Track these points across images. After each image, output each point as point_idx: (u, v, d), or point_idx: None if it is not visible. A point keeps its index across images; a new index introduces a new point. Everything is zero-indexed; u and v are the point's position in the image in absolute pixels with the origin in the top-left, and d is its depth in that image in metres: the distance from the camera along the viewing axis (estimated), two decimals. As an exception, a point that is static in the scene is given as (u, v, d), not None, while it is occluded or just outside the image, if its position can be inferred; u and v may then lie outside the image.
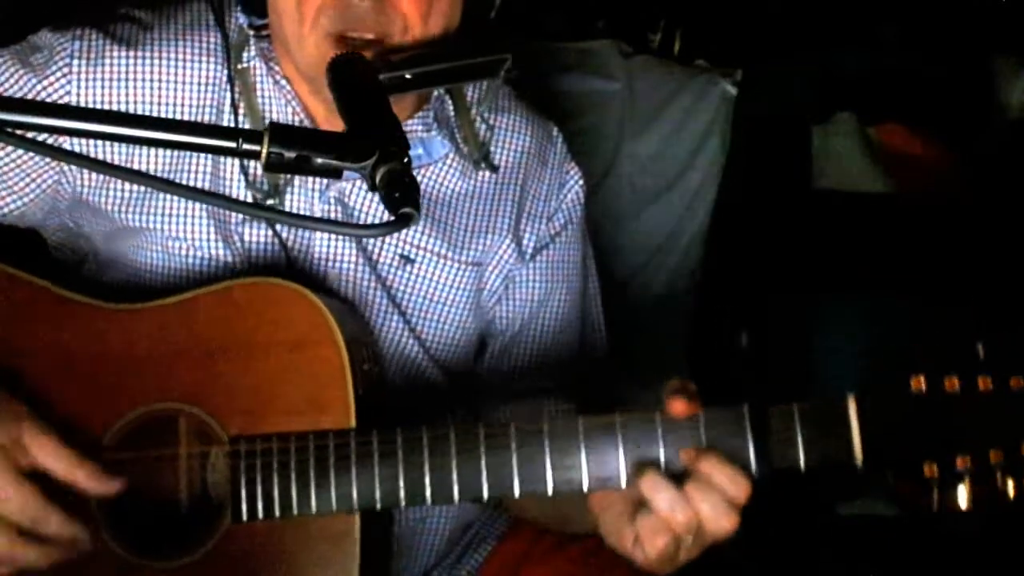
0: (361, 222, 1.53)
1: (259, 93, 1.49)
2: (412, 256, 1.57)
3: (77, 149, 1.40)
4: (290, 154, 1.03)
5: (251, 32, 1.49)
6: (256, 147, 1.02)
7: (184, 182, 1.48)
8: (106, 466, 1.36)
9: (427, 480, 1.31)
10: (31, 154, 1.44)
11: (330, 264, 1.53)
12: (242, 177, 1.49)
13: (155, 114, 1.47)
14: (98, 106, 1.45)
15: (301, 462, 1.33)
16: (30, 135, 1.00)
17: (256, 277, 1.41)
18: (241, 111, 1.49)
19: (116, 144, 1.44)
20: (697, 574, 1.34)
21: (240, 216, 1.50)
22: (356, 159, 1.05)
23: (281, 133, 1.03)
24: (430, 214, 1.57)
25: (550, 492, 1.31)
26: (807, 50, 2.67)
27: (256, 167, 1.47)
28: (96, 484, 1.34)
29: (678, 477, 1.27)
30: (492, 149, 1.61)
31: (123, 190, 1.48)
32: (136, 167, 1.47)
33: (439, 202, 1.58)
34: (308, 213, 1.51)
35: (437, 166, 1.57)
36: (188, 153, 1.49)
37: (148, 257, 1.51)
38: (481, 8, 1.49)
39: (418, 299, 1.58)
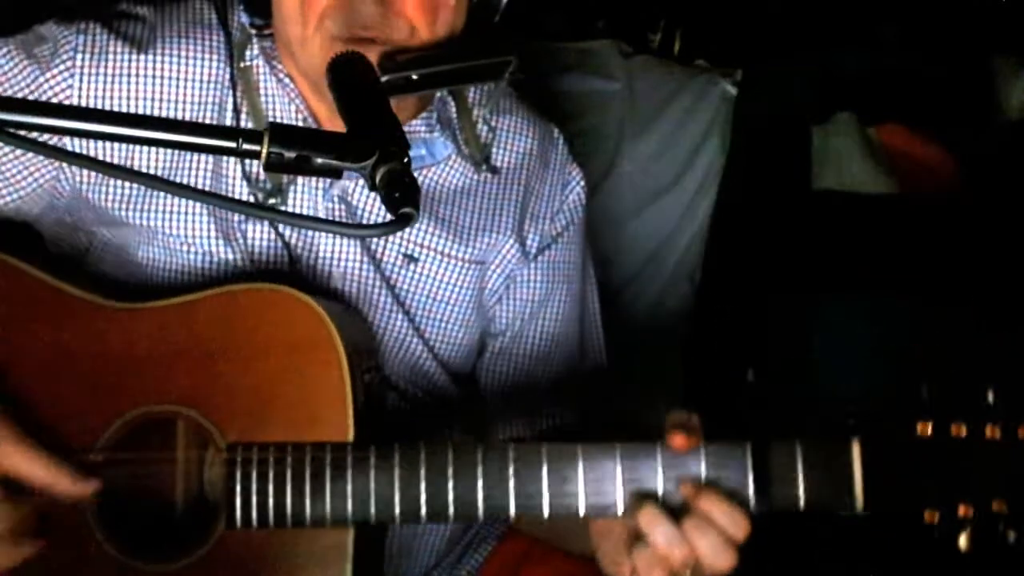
0: (365, 220, 1.53)
1: (262, 92, 1.49)
2: (416, 255, 1.57)
3: (77, 146, 1.40)
4: (290, 154, 1.03)
5: (253, 31, 1.49)
6: (256, 147, 1.02)
7: (185, 180, 1.48)
8: (102, 467, 1.36)
9: (423, 499, 1.31)
10: None
11: (334, 263, 1.53)
12: (244, 176, 1.49)
13: (157, 111, 1.47)
14: (100, 101, 1.45)
15: (297, 473, 1.33)
16: (30, 135, 1.00)
17: (260, 283, 1.41)
18: (244, 110, 1.49)
19: (116, 142, 1.44)
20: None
21: (242, 215, 1.50)
22: (356, 159, 1.05)
23: (281, 133, 1.03)
24: (433, 212, 1.57)
25: (546, 516, 1.30)
26: (807, 50, 2.66)
27: (257, 165, 1.48)
28: (71, 489, 1.33)
29: (677, 510, 1.27)
30: (493, 151, 1.61)
31: (122, 187, 1.48)
32: (136, 165, 1.47)
33: (442, 200, 1.58)
34: (311, 212, 1.51)
35: (440, 167, 1.57)
36: (189, 151, 1.49)
37: (149, 253, 1.51)
38: (486, 10, 1.49)
39: (422, 298, 1.58)
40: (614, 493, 1.29)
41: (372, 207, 1.53)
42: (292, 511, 1.33)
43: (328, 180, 1.50)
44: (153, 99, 1.47)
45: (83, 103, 1.45)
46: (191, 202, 1.49)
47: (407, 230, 1.55)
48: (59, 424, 1.37)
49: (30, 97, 1.44)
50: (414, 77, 1.37)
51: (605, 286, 1.78)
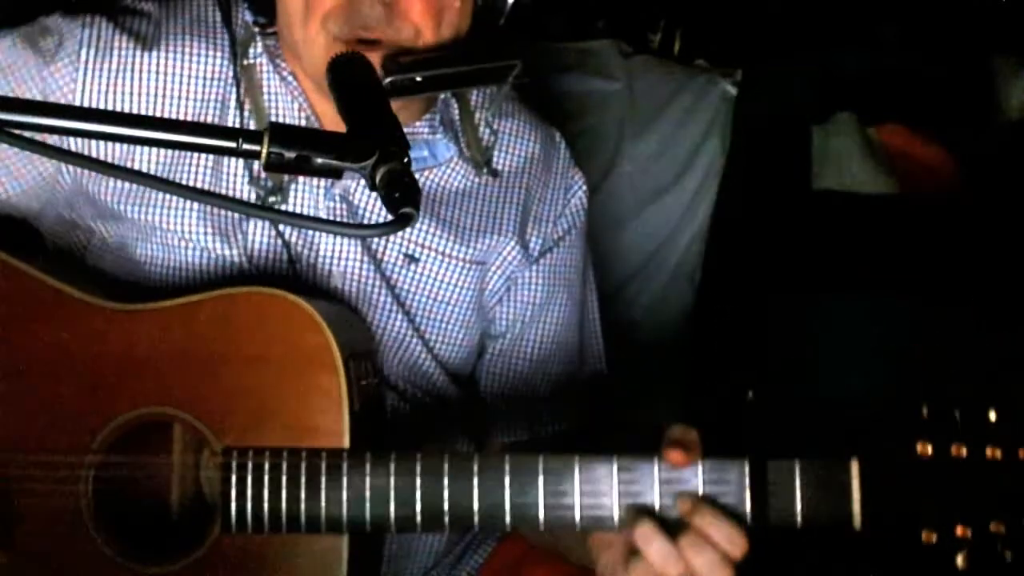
0: (366, 220, 1.53)
1: (265, 90, 1.49)
2: (416, 255, 1.57)
3: (76, 143, 1.39)
4: (290, 154, 1.03)
5: (257, 29, 1.49)
6: (256, 147, 1.02)
7: (185, 177, 1.48)
8: (98, 467, 1.36)
9: (418, 508, 1.30)
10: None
11: (334, 262, 1.53)
12: (245, 173, 1.49)
13: (159, 106, 1.47)
14: (103, 96, 1.46)
15: (292, 479, 1.33)
16: (30, 135, 1.00)
17: (259, 287, 1.40)
18: (246, 107, 1.48)
19: (117, 142, 1.43)
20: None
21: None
22: (356, 159, 1.05)
23: (281, 133, 1.03)
24: (435, 213, 1.57)
25: (542, 527, 1.30)
26: (807, 50, 2.66)
27: (259, 164, 1.48)
28: None
29: (674, 525, 1.26)
30: (495, 154, 1.61)
31: (122, 181, 1.48)
32: (137, 162, 1.47)
33: (444, 202, 1.58)
34: (312, 210, 1.51)
35: (442, 168, 1.57)
36: (189, 151, 1.48)
37: (147, 251, 1.50)
38: (490, 14, 1.49)
39: (422, 298, 1.58)
40: (611, 506, 1.29)
41: (374, 206, 1.53)
42: (287, 517, 1.33)
43: (329, 179, 1.50)
44: (156, 95, 1.47)
45: (86, 97, 1.45)
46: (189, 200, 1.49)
47: (408, 230, 1.54)
48: (57, 424, 1.37)
49: (33, 89, 1.45)
50: (418, 79, 1.37)
51: (605, 286, 1.78)
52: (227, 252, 1.50)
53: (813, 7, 2.72)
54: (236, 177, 1.49)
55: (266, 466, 1.34)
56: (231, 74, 1.49)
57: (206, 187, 1.49)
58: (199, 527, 1.37)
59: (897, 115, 2.55)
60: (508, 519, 1.30)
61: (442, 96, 1.57)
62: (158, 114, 1.47)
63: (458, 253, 1.58)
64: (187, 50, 1.48)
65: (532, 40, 2.55)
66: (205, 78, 1.49)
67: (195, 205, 1.48)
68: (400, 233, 1.52)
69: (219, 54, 1.49)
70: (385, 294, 1.56)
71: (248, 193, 1.49)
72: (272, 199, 1.50)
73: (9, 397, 1.37)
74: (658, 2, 2.83)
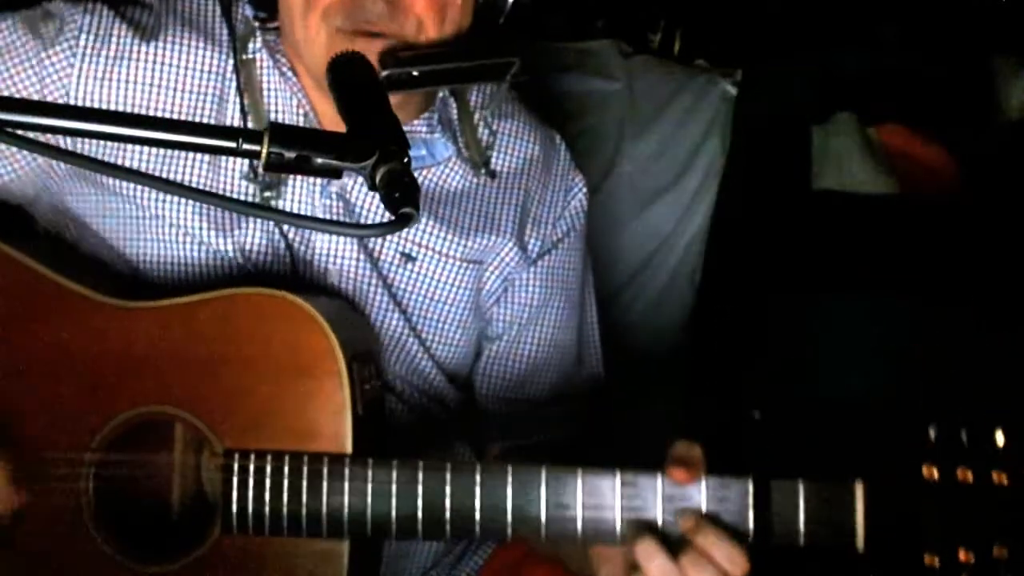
0: (363, 218, 1.53)
1: (264, 85, 1.49)
2: (414, 254, 1.57)
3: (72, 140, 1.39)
4: (290, 154, 1.03)
5: (257, 24, 1.49)
6: (256, 147, 1.02)
7: (183, 172, 1.48)
8: (98, 465, 1.36)
9: (419, 516, 1.31)
10: None
11: (330, 260, 1.53)
12: (241, 168, 1.49)
13: (155, 96, 1.47)
14: (99, 83, 1.45)
15: (293, 483, 1.33)
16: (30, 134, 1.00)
17: (261, 288, 1.40)
18: (244, 102, 1.48)
19: (116, 142, 1.43)
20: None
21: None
22: (356, 159, 1.05)
23: (281, 133, 1.03)
24: (432, 212, 1.57)
25: (543, 538, 1.30)
26: (807, 50, 2.66)
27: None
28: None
29: (675, 541, 1.26)
30: (494, 154, 1.61)
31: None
32: (133, 157, 1.46)
33: (441, 200, 1.58)
34: (309, 208, 1.51)
35: (440, 167, 1.57)
36: (188, 151, 1.48)
37: (144, 248, 1.50)
38: (491, 11, 1.49)
39: (419, 298, 1.58)
40: (613, 520, 1.29)
41: (370, 204, 1.53)
42: (287, 520, 1.33)
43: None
44: (152, 84, 1.47)
45: (81, 84, 1.45)
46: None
47: (405, 229, 1.54)
48: (57, 421, 1.37)
49: (29, 72, 1.45)
50: (415, 73, 1.37)
51: (605, 286, 1.78)
52: (224, 247, 1.49)
53: (813, 7, 2.72)
54: (233, 172, 1.49)
55: (267, 469, 1.34)
56: (229, 68, 1.48)
57: (204, 182, 1.48)
58: (199, 526, 1.37)
59: (897, 115, 2.55)
60: (509, 530, 1.30)
61: (440, 95, 1.56)
62: (153, 105, 1.47)
63: (455, 252, 1.58)
64: (185, 42, 1.48)
65: (532, 39, 2.55)
66: (203, 71, 1.48)
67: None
68: (396, 232, 1.52)
69: (218, 48, 1.49)
70: (382, 293, 1.56)
71: (245, 188, 1.49)
72: (268, 194, 1.49)
73: (9, 395, 1.37)
74: (658, 2, 2.83)
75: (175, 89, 1.47)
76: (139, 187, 1.48)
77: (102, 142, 1.43)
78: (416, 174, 1.05)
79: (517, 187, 1.62)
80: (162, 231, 1.49)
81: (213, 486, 1.40)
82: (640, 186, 2.58)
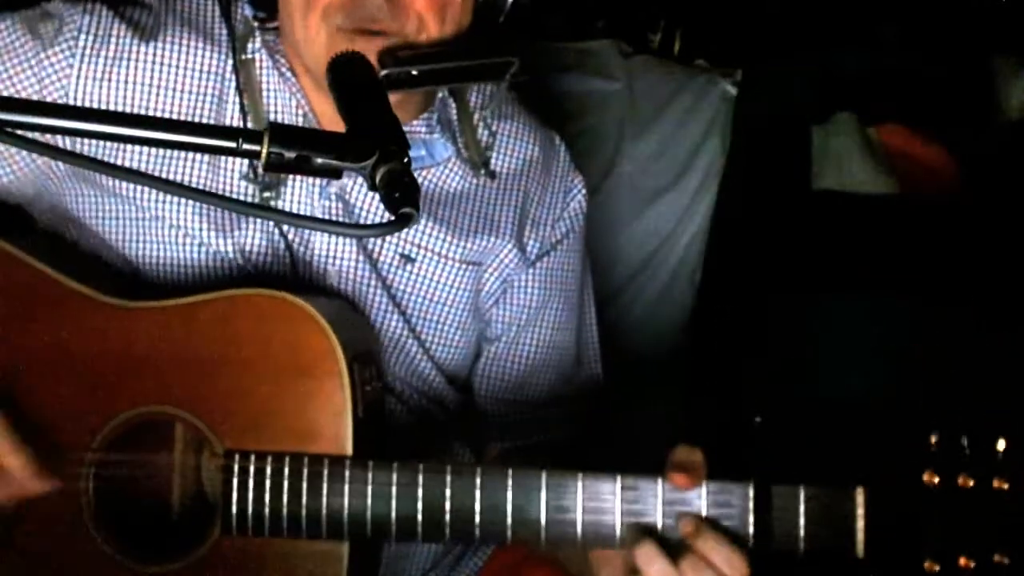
0: (362, 219, 1.53)
1: (263, 85, 1.49)
2: (413, 255, 1.56)
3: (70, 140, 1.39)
4: (290, 154, 1.03)
5: (256, 24, 1.49)
6: (256, 147, 1.02)
7: (183, 171, 1.48)
8: (98, 465, 1.36)
9: (419, 519, 1.30)
10: None
11: (329, 260, 1.53)
12: (241, 169, 1.49)
13: (154, 97, 1.46)
14: (98, 83, 1.45)
15: (293, 485, 1.33)
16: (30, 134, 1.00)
17: (261, 289, 1.40)
18: (243, 102, 1.48)
19: (115, 142, 1.43)
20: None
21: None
22: (356, 159, 1.05)
23: (281, 133, 1.03)
24: (431, 213, 1.56)
25: (543, 541, 1.30)
26: (807, 50, 2.66)
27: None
28: (37, 485, 1.33)
29: (675, 545, 1.26)
30: (493, 155, 1.61)
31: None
32: (132, 156, 1.46)
33: (440, 201, 1.57)
34: (308, 208, 1.50)
35: (439, 168, 1.57)
36: (188, 151, 1.48)
37: (142, 249, 1.50)
38: (491, 11, 1.49)
39: (418, 299, 1.58)
40: (613, 524, 1.29)
41: (369, 205, 1.53)
42: (287, 521, 1.33)
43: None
44: (151, 84, 1.47)
45: (80, 84, 1.45)
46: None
47: (405, 230, 1.54)
48: (57, 421, 1.37)
49: (28, 72, 1.45)
50: (414, 73, 1.36)
51: (605, 286, 1.78)
52: (224, 247, 1.49)
53: (813, 7, 2.73)
54: (233, 171, 1.49)
55: (268, 471, 1.34)
56: (228, 68, 1.48)
57: (203, 182, 1.48)
58: (199, 527, 1.36)
59: (897, 115, 2.55)
60: (509, 532, 1.30)
61: (440, 95, 1.56)
62: (152, 105, 1.47)
63: (454, 254, 1.58)
64: (184, 42, 1.48)
65: (531, 39, 2.55)
66: (201, 71, 1.48)
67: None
68: (396, 232, 1.52)
69: (217, 48, 1.49)
70: (381, 294, 1.55)
71: (245, 189, 1.49)
72: (268, 195, 1.49)
73: (9, 395, 1.37)
74: (658, 2, 2.83)
75: (174, 89, 1.47)
76: (139, 188, 1.48)
77: (101, 142, 1.42)
78: (415, 174, 1.05)
79: (516, 188, 1.62)
80: (162, 232, 1.49)
81: (213, 486, 1.40)
82: (640, 186, 2.58)
